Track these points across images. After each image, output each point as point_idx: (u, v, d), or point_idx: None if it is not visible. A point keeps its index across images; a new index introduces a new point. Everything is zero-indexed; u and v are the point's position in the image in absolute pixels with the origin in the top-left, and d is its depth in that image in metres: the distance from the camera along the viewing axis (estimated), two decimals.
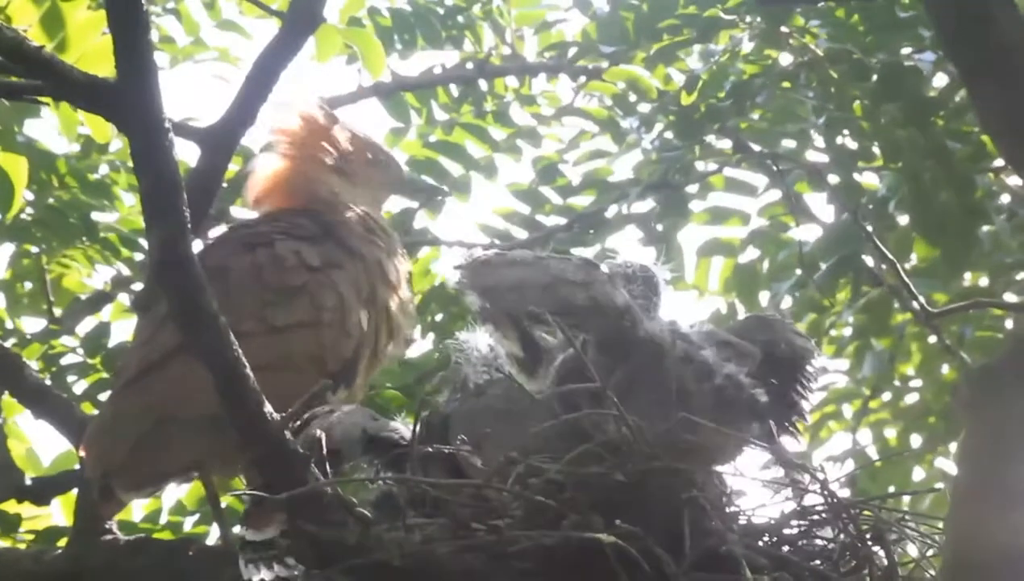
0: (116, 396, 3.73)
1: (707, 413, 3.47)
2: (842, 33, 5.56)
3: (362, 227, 3.86)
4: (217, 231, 5.82)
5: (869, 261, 5.76)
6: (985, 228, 5.62)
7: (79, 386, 5.29)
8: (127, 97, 3.07)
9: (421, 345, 5.70)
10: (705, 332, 3.69)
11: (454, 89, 6.24)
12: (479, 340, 3.70)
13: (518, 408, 3.57)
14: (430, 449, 3.48)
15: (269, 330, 3.56)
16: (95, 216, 5.60)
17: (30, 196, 5.49)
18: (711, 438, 3.41)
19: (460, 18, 6.26)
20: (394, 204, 5.89)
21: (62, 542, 4.06)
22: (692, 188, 5.88)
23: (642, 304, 3.75)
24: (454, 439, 3.59)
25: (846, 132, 5.61)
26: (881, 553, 3.43)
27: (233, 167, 5.40)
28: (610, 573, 3.20)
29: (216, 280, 3.29)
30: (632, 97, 5.82)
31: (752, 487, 3.51)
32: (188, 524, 5.10)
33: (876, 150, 5.60)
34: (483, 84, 6.26)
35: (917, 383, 6.57)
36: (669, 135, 5.68)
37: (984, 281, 6.00)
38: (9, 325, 5.73)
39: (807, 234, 5.84)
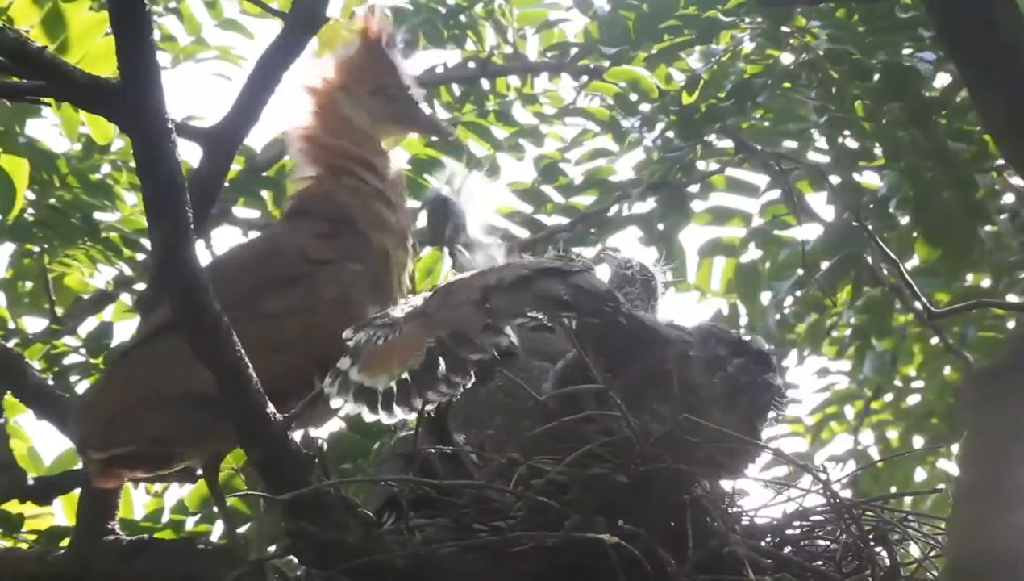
0: (109, 368, 3.76)
1: (719, 405, 3.47)
2: (843, 33, 5.55)
3: (383, 205, 3.83)
4: (219, 231, 5.86)
5: (870, 261, 5.76)
6: (987, 228, 5.61)
7: (81, 386, 5.28)
8: (130, 97, 3.07)
9: None
10: (704, 328, 3.69)
11: (456, 88, 6.24)
12: None
13: (517, 401, 3.56)
14: (431, 451, 3.49)
15: (258, 316, 3.55)
16: (97, 216, 5.59)
17: (31, 196, 5.48)
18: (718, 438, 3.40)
19: (462, 17, 6.25)
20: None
21: (64, 542, 4.05)
22: (693, 188, 5.88)
23: (637, 306, 3.74)
24: (453, 421, 3.58)
25: (847, 132, 5.60)
26: (884, 554, 3.43)
27: (235, 167, 5.41)
28: (612, 574, 3.20)
29: (216, 271, 3.31)
30: (633, 97, 5.81)
31: (754, 487, 3.52)
32: (190, 524, 5.10)
33: (877, 150, 5.59)
34: (485, 83, 6.26)
35: (919, 384, 6.56)
36: (670, 135, 5.68)
37: (986, 282, 5.99)
38: (11, 325, 5.72)
39: (808, 233, 5.85)
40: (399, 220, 3.85)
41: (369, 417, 3.24)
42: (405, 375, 3.20)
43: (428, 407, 3.22)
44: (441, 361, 3.20)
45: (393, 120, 3.98)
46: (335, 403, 3.23)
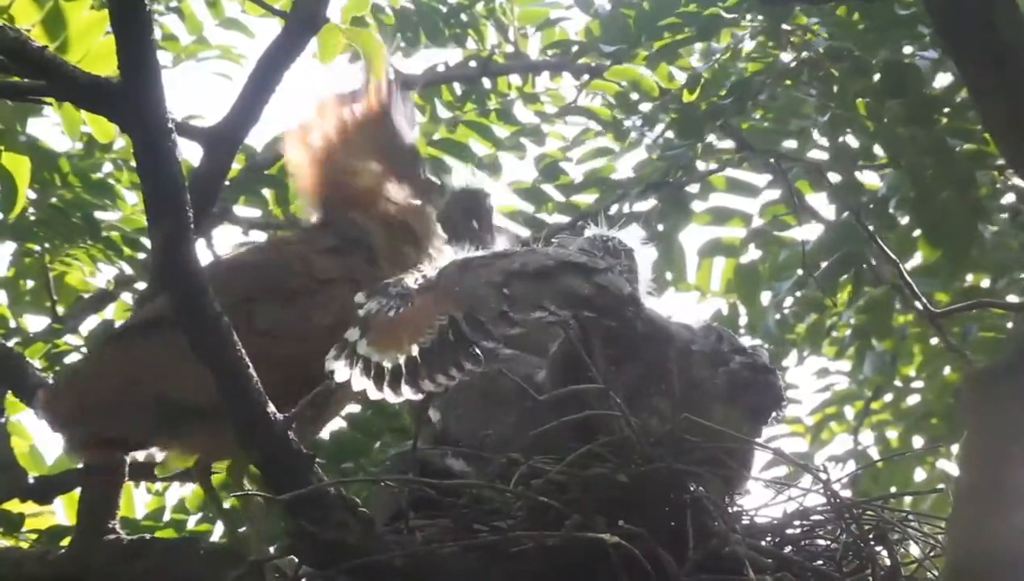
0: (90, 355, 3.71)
1: (721, 400, 3.47)
2: (843, 31, 5.55)
3: (408, 242, 3.76)
4: (220, 230, 5.86)
5: (871, 261, 5.76)
6: (988, 227, 5.61)
7: None
8: (130, 97, 3.07)
9: None
10: (708, 325, 3.68)
11: (458, 87, 6.25)
12: None
13: (498, 391, 3.55)
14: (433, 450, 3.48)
15: (249, 329, 3.47)
16: (98, 215, 5.59)
17: (33, 195, 5.48)
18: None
19: (463, 16, 6.26)
20: None
21: (65, 541, 4.05)
22: (693, 188, 5.87)
23: (628, 278, 3.70)
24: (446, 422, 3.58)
25: (848, 130, 5.60)
26: (884, 553, 3.43)
27: (236, 166, 5.42)
28: (612, 574, 3.19)
29: (218, 273, 3.30)
30: (634, 96, 5.81)
31: (754, 487, 3.52)
32: (191, 522, 5.11)
33: (878, 150, 5.59)
34: (486, 82, 6.27)
35: (919, 384, 6.56)
36: (671, 133, 5.67)
37: (986, 282, 5.99)
38: (12, 324, 5.72)
39: (808, 233, 5.85)
40: (420, 260, 3.76)
41: (374, 395, 3.18)
42: (415, 353, 3.17)
43: (435, 389, 3.18)
44: (452, 341, 3.15)
45: (391, 180, 3.92)
46: (340, 376, 3.19)
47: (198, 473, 3.71)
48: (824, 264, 5.66)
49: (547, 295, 3.30)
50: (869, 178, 5.74)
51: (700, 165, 5.81)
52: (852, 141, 5.62)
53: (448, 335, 3.18)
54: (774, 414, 3.59)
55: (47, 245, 5.61)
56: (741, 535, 3.35)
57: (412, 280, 3.39)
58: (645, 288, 3.76)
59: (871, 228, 4.96)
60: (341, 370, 3.19)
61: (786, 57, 5.73)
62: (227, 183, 4.86)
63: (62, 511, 4.80)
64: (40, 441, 5.21)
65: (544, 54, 6.44)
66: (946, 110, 5.54)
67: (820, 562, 3.47)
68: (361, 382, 3.18)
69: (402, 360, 3.17)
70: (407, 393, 3.16)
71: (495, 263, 3.41)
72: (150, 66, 3.06)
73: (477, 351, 3.17)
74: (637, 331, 3.45)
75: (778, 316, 6.11)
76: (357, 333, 3.24)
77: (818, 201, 5.97)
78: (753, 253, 6.06)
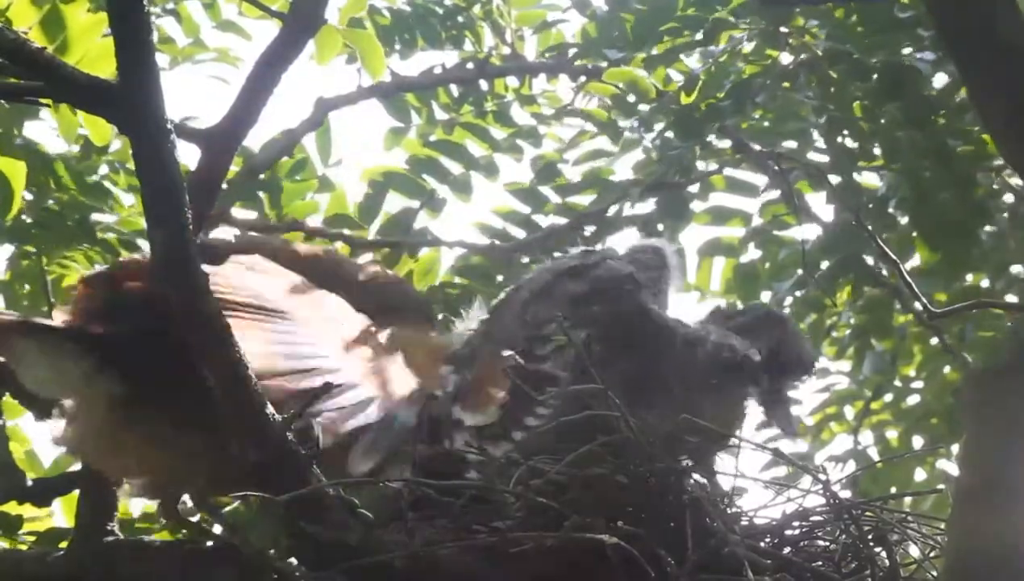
0: None
1: (707, 382, 3.48)
2: (842, 33, 5.55)
3: None
4: (217, 232, 5.85)
5: (870, 261, 5.76)
6: (987, 228, 5.61)
7: None
8: (129, 98, 3.07)
9: None
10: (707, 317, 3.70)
11: (454, 89, 6.24)
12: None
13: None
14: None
15: None
16: (94, 217, 5.58)
17: (29, 197, 5.47)
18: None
19: (460, 18, 6.26)
20: (394, 203, 5.95)
21: (64, 544, 4.05)
22: (693, 188, 5.87)
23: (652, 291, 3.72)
24: None
25: (846, 132, 5.60)
26: (883, 554, 3.44)
27: (234, 168, 5.41)
28: (612, 575, 3.19)
29: None
30: (631, 98, 5.81)
31: (754, 488, 3.53)
32: None
33: (876, 150, 5.59)
34: (483, 84, 6.25)
35: (919, 384, 6.56)
36: (669, 135, 5.67)
37: (985, 282, 5.99)
38: None
39: (808, 233, 5.84)
40: None
41: (474, 456, 3.30)
42: (503, 403, 3.26)
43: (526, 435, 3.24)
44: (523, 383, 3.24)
45: None
46: (456, 446, 3.27)
47: (164, 509, 3.71)
48: (824, 264, 5.67)
49: (554, 307, 3.37)
50: (868, 178, 5.75)
51: (700, 165, 5.81)
52: (850, 143, 5.61)
53: (517, 379, 3.29)
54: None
55: (43, 248, 5.60)
56: (740, 536, 3.36)
57: (474, 334, 3.47)
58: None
59: (870, 228, 4.95)
60: (454, 444, 3.33)
61: (784, 59, 5.72)
62: (225, 186, 4.85)
63: (60, 514, 4.80)
64: (38, 444, 5.21)
65: (541, 56, 6.43)
66: (943, 112, 5.53)
67: (819, 563, 3.47)
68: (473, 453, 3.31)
69: (496, 414, 3.31)
70: (504, 446, 3.30)
71: (513, 297, 3.50)
72: (149, 66, 3.06)
73: (548, 387, 3.25)
74: (645, 311, 3.48)
75: None
76: (457, 407, 3.37)
77: (818, 201, 5.97)
78: (753, 253, 6.05)
